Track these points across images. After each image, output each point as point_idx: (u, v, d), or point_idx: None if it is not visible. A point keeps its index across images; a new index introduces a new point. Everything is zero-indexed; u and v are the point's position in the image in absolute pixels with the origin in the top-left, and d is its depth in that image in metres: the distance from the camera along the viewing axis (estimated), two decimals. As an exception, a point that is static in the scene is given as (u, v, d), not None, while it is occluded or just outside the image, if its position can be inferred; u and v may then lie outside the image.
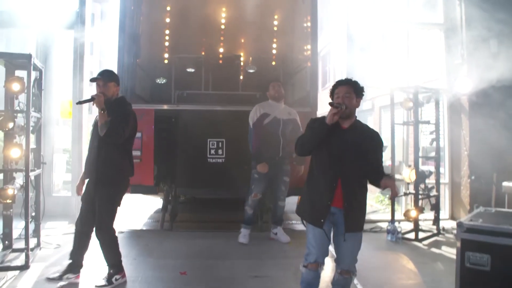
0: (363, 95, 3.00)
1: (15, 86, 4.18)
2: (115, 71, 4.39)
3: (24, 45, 6.20)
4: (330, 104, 2.86)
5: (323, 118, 2.90)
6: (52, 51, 6.42)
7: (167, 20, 7.13)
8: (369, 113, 13.19)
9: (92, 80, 3.79)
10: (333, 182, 2.89)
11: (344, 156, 2.89)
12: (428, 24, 7.70)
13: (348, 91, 2.92)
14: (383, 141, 3.07)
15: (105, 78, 3.74)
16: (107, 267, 3.84)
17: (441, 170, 6.57)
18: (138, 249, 5.00)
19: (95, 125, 3.72)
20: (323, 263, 2.97)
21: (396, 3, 8.17)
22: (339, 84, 2.98)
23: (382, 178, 2.85)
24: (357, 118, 3.07)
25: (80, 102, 3.94)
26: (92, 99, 3.62)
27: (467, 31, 6.72)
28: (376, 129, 3.21)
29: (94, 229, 3.79)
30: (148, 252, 4.92)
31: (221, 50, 7.44)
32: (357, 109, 3.02)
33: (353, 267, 3.01)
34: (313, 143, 2.92)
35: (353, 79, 3.03)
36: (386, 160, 10.06)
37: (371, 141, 2.96)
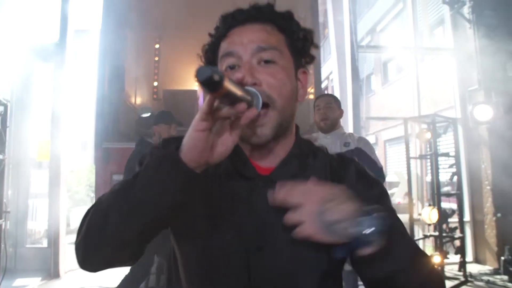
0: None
1: (-30, 123, 3.58)
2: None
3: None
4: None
5: (161, 150, 0.92)
6: (31, 86, 5.85)
7: (156, 52, 6.64)
8: (372, 148, 12.39)
9: None
10: None
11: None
12: (437, 49, 7.21)
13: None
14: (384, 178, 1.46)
15: None
16: None
17: (462, 207, 5.84)
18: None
19: None
20: None
21: (402, 29, 7.73)
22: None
23: None
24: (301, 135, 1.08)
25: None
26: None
27: (481, 56, 6.19)
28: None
29: None
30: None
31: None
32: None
33: None
34: (136, 227, 0.81)
35: None
36: (397, 198, 9.39)
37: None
